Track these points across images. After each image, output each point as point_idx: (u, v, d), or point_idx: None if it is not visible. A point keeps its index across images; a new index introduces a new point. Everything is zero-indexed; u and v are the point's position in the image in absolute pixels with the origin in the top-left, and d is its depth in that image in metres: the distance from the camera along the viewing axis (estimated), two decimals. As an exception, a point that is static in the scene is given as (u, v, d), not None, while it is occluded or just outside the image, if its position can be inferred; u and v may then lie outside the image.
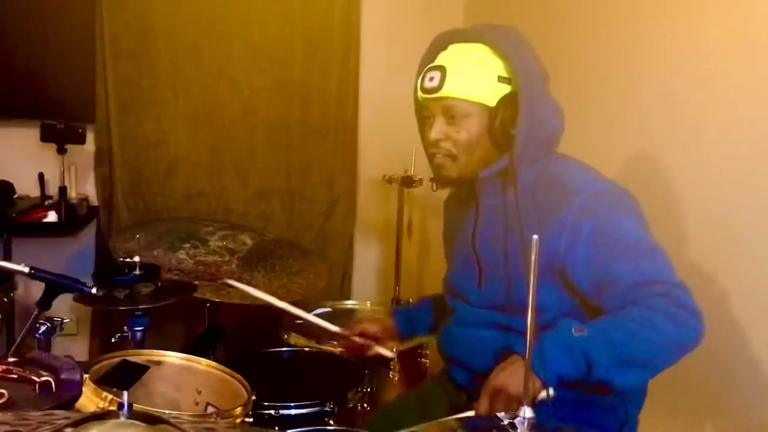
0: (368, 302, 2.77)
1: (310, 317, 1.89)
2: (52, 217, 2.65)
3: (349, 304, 2.76)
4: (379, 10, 3.12)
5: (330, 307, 2.61)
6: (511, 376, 1.30)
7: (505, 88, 1.44)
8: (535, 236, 1.01)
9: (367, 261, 3.29)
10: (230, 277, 2.32)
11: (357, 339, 1.80)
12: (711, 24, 1.74)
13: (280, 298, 1.96)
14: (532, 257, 1.01)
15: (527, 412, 1.03)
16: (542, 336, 1.32)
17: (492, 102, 1.44)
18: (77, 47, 2.82)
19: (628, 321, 1.32)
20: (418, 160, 2.69)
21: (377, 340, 1.81)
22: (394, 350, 2.09)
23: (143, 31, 2.88)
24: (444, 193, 1.83)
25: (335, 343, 2.12)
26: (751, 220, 1.61)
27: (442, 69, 1.45)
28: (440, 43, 1.54)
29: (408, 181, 2.72)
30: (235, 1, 2.95)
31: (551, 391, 1.22)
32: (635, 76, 2.02)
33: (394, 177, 2.79)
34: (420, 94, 1.52)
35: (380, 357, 1.86)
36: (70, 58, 2.82)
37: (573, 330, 1.31)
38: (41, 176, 2.86)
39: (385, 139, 3.13)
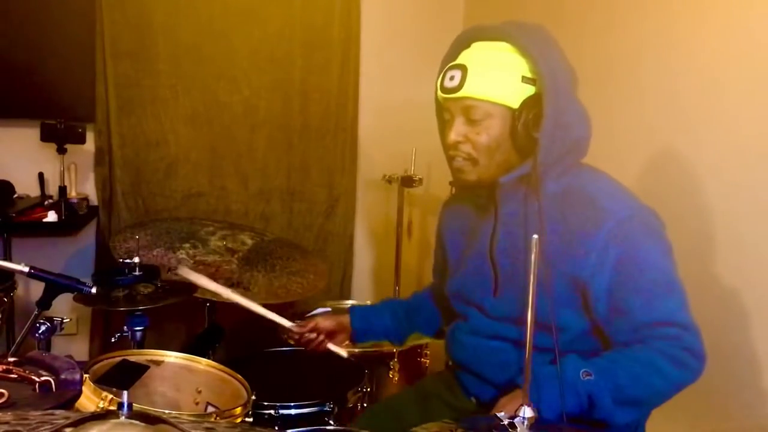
0: (368, 302, 2.76)
1: (260, 310, 1.76)
2: (51, 216, 2.65)
3: (349, 303, 2.76)
4: (379, 10, 3.12)
5: (330, 307, 2.61)
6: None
7: (530, 89, 1.38)
8: (535, 236, 1.00)
9: (367, 261, 3.29)
10: (230, 277, 2.32)
11: (309, 335, 1.74)
12: (715, 25, 1.73)
13: (281, 299, 1.96)
14: (532, 257, 1.01)
15: (527, 412, 1.02)
16: (549, 372, 1.31)
17: (515, 103, 1.38)
18: (77, 47, 2.82)
19: (633, 363, 1.33)
20: (418, 160, 2.70)
21: (331, 335, 1.76)
22: (355, 350, 1.99)
23: (143, 31, 2.87)
24: (445, 194, 1.82)
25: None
26: (760, 228, 1.59)
27: (463, 68, 1.39)
28: (463, 41, 1.48)
29: (408, 181, 2.72)
30: (235, 1, 2.95)
31: None
32: (641, 73, 2.02)
33: (394, 177, 2.79)
34: (440, 93, 1.45)
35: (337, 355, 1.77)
36: (70, 58, 2.82)
37: (582, 374, 1.31)
38: (41, 176, 2.86)
39: (385, 139, 3.13)
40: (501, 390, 1.42)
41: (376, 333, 1.80)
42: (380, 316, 1.80)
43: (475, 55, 1.43)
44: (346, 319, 1.78)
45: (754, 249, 1.61)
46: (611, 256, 1.34)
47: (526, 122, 1.38)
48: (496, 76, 1.39)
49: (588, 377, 1.31)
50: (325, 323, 1.75)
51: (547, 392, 1.30)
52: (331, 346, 1.75)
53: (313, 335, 1.74)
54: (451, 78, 1.41)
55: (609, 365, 1.34)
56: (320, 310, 2.45)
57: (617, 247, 1.34)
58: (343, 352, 1.75)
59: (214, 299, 2.22)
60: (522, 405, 1.03)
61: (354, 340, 1.79)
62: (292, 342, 2.20)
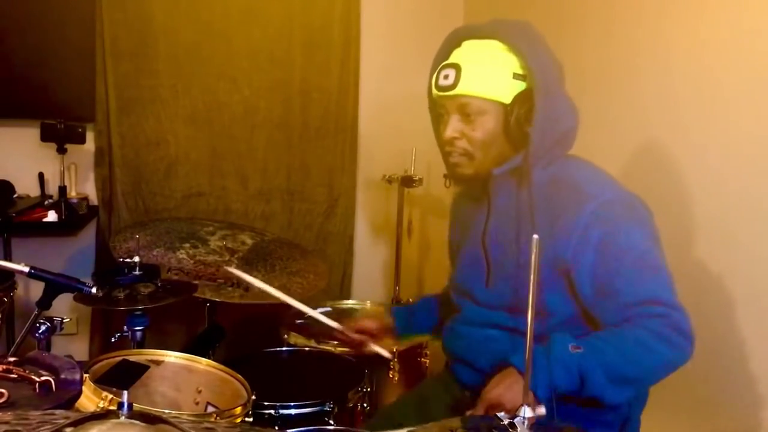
0: (368, 302, 2.77)
1: (311, 312, 1.86)
2: (52, 216, 2.65)
3: (349, 303, 2.76)
4: (379, 10, 3.12)
5: (330, 306, 2.62)
6: (507, 390, 1.32)
7: (520, 85, 1.43)
8: (535, 236, 1.01)
9: (367, 261, 3.29)
10: (230, 277, 2.32)
11: (354, 336, 1.79)
12: (712, 20, 1.74)
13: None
14: (532, 257, 1.01)
15: (527, 412, 1.02)
16: (539, 349, 1.32)
17: (507, 99, 1.43)
18: (77, 47, 2.82)
19: (623, 340, 1.34)
20: (418, 160, 2.70)
21: (375, 336, 1.80)
22: (395, 350, 2.09)
23: (143, 31, 2.87)
24: (445, 194, 1.83)
25: (335, 342, 2.12)
26: (753, 221, 1.60)
27: (456, 67, 1.44)
28: (454, 40, 1.53)
29: (408, 181, 2.72)
30: (235, 1, 2.95)
31: (542, 410, 1.11)
32: (636, 71, 2.02)
33: (394, 177, 2.80)
34: (434, 91, 1.50)
35: (378, 356, 1.85)
36: (70, 58, 2.82)
37: (570, 347, 1.33)
38: (41, 176, 2.86)
39: (385, 139, 3.13)
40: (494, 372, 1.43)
41: (419, 330, 1.91)
42: (423, 315, 1.87)
43: (467, 53, 1.48)
44: (389, 320, 1.85)
45: (742, 240, 1.63)
46: (593, 236, 1.37)
47: (518, 117, 1.43)
48: (489, 73, 1.44)
49: (577, 350, 1.32)
50: (370, 325, 1.82)
51: (539, 371, 1.30)
52: (376, 348, 1.80)
53: (358, 336, 1.80)
54: (446, 77, 1.45)
55: (597, 342, 1.35)
56: (320, 310, 2.46)
57: (599, 228, 1.37)
58: (387, 354, 1.85)
59: (214, 299, 2.22)
60: (522, 405, 1.03)
61: (398, 338, 1.91)
62: (285, 336, 2.22)
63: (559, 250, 1.39)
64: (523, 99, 1.42)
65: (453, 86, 1.44)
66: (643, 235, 1.40)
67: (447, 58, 1.50)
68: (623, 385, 1.34)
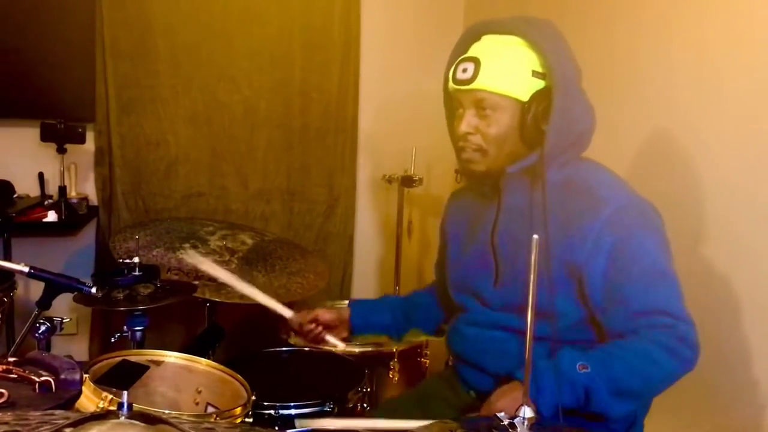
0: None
1: (262, 298, 1.83)
2: (51, 216, 2.65)
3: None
4: (379, 10, 3.12)
5: (330, 306, 2.61)
6: (511, 404, 1.30)
7: (539, 83, 1.42)
8: (535, 236, 1.01)
9: (367, 261, 3.29)
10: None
11: (309, 326, 1.78)
12: (716, 17, 1.73)
13: (281, 299, 1.96)
14: (532, 257, 1.01)
15: (527, 412, 1.02)
16: (546, 366, 1.32)
17: (525, 97, 1.42)
18: (77, 47, 2.82)
19: (628, 354, 1.34)
20: (418, 159, 2.70)
21: (330, 328, 1.80)
22: (355, 350, 2.05)
23: (143, 31, 2.87)
24: (445, 194, 1.82)
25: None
26: (759, 221, 1.60)
27: (476, 61, 1.42)
28: (473, 34, 1.51)
29: (408, 181, 2.72)
30: (235, 1, 2.95)
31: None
32: (639, 70, 2.02)
33: (394, 177, 2.79)
34: (451, 85, 1.48)
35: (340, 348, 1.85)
36: (70, 58, 2.82)
37: (578, 367, 1.32)
38: (41, 176, 2.86)
39: (384, 139, 3.13)
40: (499, 381, 1.43)
41: (374, 329, 1.85)
42: (379, 313, 1.84)
43: (487, 48, 1.45)
44: (346, 312, 1.82)
45: (747, 240, 1.63)
46: (606, 242, 1.37)
47: (535, 115, 1.41)
48: (508, 69, 1.42)
49: (584, 370, 1.32)
50: (326, 316, 1.80)
51: (544, 386, 1.31)
52: (329, 338, 1.79)
53: (312, 326, 1.78)
54: (464, 70, 1.43)
55: (604, 357, 1.35)
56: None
57: (613, 235, 1.37)
58: (339, 344, 1.81)
59: (214, 299, 2.22)
60: (522, 405, 1.03)
61: (353, 334, 1.84)
62: (285, 336, 2.21)
63: (573, 254, 1.38)
64: (541, 97, 1.41)
65: (471, 80, 1.42)
66: (655, 243, 1.40)
67: (466, 51, 1.48)
68: (627, 399, 1.35)
